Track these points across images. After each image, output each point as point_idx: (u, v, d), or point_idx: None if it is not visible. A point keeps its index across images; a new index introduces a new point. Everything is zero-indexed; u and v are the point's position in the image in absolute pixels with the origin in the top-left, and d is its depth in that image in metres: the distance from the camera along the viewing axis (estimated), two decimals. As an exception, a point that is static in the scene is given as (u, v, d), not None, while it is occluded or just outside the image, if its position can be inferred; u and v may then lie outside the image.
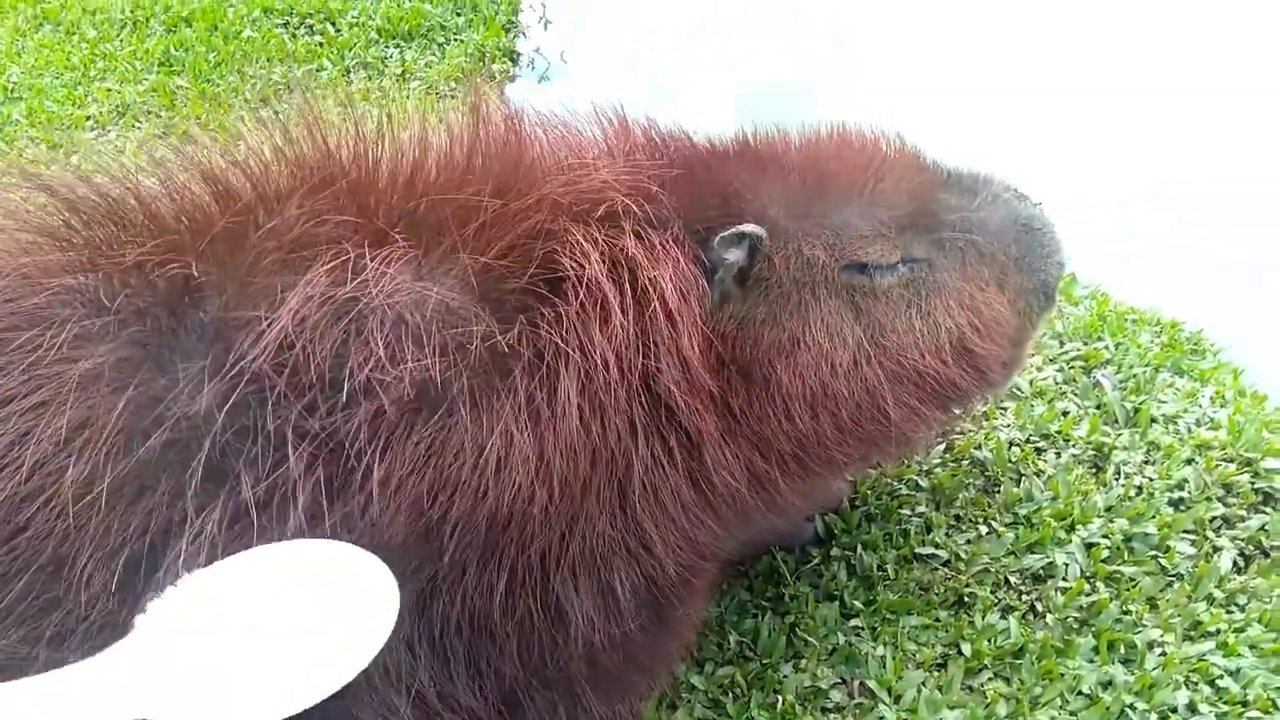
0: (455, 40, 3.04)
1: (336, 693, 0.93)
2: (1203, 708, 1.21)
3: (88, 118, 2.61)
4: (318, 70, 2.82)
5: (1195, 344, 1.81)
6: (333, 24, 3.05)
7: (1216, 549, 1.41)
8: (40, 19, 3.13)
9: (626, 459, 0.96)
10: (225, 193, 0.95)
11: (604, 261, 0.96)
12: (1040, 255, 1.21)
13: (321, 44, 2.97)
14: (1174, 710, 1.21)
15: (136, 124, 2.57)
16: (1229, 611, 1.32)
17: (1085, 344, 1.78)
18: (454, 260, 0.94)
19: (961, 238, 1.15)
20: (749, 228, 1.02)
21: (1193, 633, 1.31)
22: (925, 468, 1.56)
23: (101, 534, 0.84)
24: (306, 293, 0.88)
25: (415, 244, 0.94)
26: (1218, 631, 1.29)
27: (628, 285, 0.96)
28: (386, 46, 2.99)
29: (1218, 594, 1.34)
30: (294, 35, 3.01)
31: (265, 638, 0.79)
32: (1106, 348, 1.76)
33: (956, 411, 1.27)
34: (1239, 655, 1.26)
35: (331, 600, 0.82)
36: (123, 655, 0.77)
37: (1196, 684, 1.24)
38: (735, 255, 1.02)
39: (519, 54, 3.11)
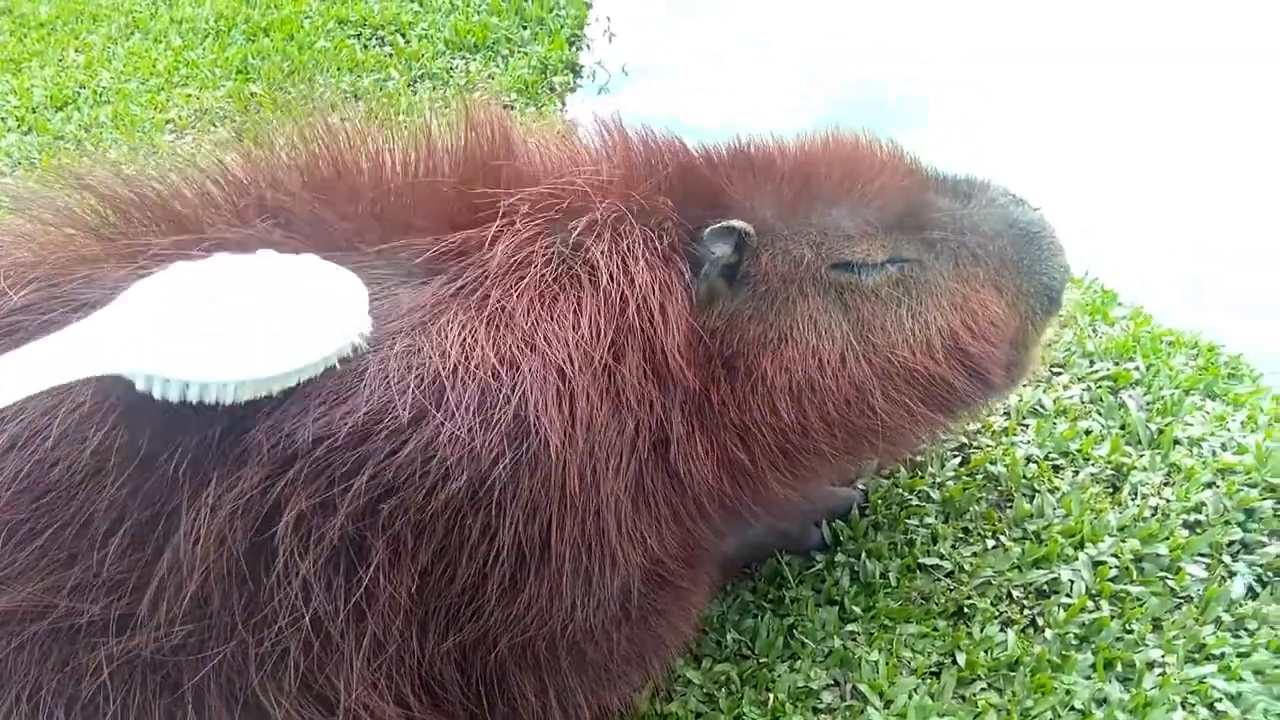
0: (519, 52, 3.12)
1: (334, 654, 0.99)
2: (1197, 729, 1.20)
3: (168, 121, 2.76)
4: (384, 80, 2.93)
5: (1234, 369, 1.78)
6: (403, 35, 3.17)
7: (1231, 573, 1.39)
8: (131, 27, 3.32)
9: (595, 447, 1.00)
10: (236, 187, 1.04)
11: (586, 258, 1.01)
12: (1040, 258, 1.22)
13: (390, 54, 3.08)
14: (1167, 730, 1.20)
15: (213, 128, 2.71)
16: (1236, 636, 1.30)
17: (1116, 364, 1.76)
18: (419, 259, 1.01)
19: (953, 239, 1.18)
20: (737, 223, 1.06)
21: (1196, 655, 1.29)
22: (938, 480, 1.57)
23: (112, 502, 0.91)
24: None
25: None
26: (1222, 655, 1.28)
27: (616, 278, 1.01)
28: (453, 58, 3.09)
29: (1226, 618, 1.33)
30: (365, 46, 3.13)
31: (240, 309, 0.91)
32: (1137, 369, 1.75)
33: (959, 414, 1.28)
34: (1241, 679, 1.24)
35: (306, 293, 0.94)
36: (112, 315, 0.90)
37: (1194, 706, 1.23)
38: (721, 249, 1.06)
39: (581, 66, 3.19)
